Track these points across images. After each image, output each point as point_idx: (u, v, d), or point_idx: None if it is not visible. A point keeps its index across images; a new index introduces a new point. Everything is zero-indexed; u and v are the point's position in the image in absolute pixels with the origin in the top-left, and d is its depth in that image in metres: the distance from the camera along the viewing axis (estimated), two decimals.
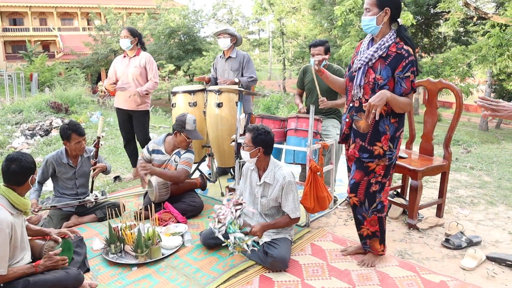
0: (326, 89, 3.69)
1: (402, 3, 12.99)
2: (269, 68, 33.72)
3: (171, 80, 19.88)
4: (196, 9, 24.00)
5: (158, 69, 20.97)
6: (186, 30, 22.22)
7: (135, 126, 4.82)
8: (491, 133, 21.60)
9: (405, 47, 2.42)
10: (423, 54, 17.19)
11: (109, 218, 3.19)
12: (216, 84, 4.79)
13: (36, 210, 3.44)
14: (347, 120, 2.66)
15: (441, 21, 16.43)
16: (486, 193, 4.43)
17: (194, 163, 4.55)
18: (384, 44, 2.45)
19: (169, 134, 3.95)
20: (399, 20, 2.48)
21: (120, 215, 3.31)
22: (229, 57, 4.65)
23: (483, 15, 14.26)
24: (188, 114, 3.83)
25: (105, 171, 3.85)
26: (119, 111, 4.82)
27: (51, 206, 3.64)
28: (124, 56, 4.72)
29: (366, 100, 2.47)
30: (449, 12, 13.90)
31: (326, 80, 2.76)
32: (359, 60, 2.54)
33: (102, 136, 4.01)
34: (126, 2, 33.93)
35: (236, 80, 4.45)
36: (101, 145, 4.00)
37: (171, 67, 19.98)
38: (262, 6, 30.74)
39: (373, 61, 2.47)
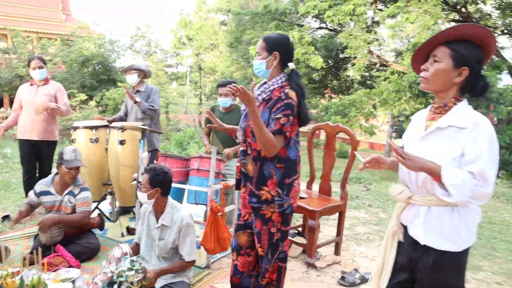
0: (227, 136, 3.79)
1: (314, 47, 13.87)
2: (185, 102, 33.63)
3: (83, 110, 18.99)
4: (113, 39, 23.50)
5: (69, 98, 19.88)
6: (101, 59, 21.57)
7: (42, 158, 4.55)
8: None
9: (286, 90, 2.34)
10: (332, 95, 18.31)
11: None
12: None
13: None
14: (238, 164, 2.57)
15: (349, 65, 17.71)
16: (381, 230, 4.71)
17: (94, 201, 4.34)
18: (269, 87, 2.39)
19: (56, 174, 3.72)
20: (290, 64, 2.43)
21: (1, 261, 3.00)
22: (138, 90, 4.58)
23: (384, 63, 15.64)
24: (68, 146, 3.66)
25: None
26: (24, 142, 4.49)
27: None
28: (31, 84, 4.48)
29: (249, 144, 2.43)
30: (355, 57, 15.05)
31: (230, 132, 2.71)
32: None
33: None
34: (37, 26, 32.17)
35: (138, 99, 4.37)
36: None
37: (82, 96, 19.12)
38: (181, 41, 30.91)
39: (257, 104, 2.36)
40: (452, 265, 1.76)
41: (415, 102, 14.32)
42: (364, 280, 3.34)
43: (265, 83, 2.50)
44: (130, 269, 2.55)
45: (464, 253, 1.77)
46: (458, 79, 1.70)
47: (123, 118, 4.73)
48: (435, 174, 1.64)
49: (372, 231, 4.65)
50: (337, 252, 3.88)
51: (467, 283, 3.44)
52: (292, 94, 2.34)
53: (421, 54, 1.81)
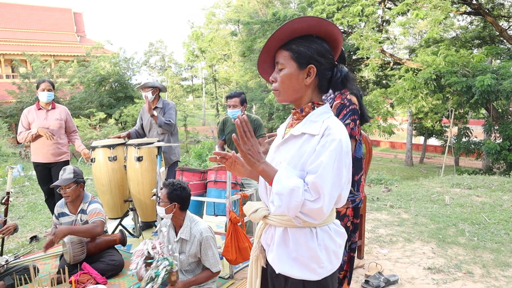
0: None
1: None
2: (203, 114, 34.07)
3: (102, 128, 19.37)
4: (127, 56, 23.97)
5: (89, 117, 20.23)
6: (117, 77, 22.03)
7: (54, 179, 4.64)
8: (415, 168, 23.00)
9: (348, 96, 2.55)
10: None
11: (19, 285, 2.97)
12: (142, 135, 4.80)
13: None
14: None
15: (362, 66, 17.63)
16: (404, 231, 4.66)
17: (116, 218, 4.43)
18: (330, 95, 2.60)
19: None
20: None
21: (31, 280, 3.08)
22: (156, 107, 4.68)
23: (398, 61, 15.50)
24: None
25: (15, 230, 3.63)
26: (38, 165, 4.63)
27: None
28: (39, 109, 4.58)
29: None
30: (368, 58, 14.97)
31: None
32: None
33: (12, 192, 3.79)
34: (53, 49, 33.01)
35: (155, 113, 4.47)
36: (11, 201, 3.77)
37: (101, 115, 19.54)
38: (194, 54, 31.38)
39: None
40: None
41: (433, 98, 14.17)
42: (389, 283, 3.31)
43: None
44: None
45: (328, 279, 1.53)
46: (309, 80, 1.49)
47: (139, 132, 4.82)
48: (269, 179, 1.44)
49: (394, 233, 4.60)
50: (359, 255, 3.85)
51: (495, 281, 3.38)
52: (354, 99, 2.55)
53: (266, 63, 1.59)
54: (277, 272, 1.54)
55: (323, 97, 2.55)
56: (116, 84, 22.46)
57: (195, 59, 31.79)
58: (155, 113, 4.45)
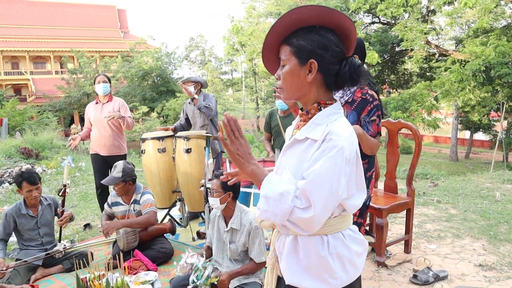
0: None
1: (368, 43, 13.64)
2: (242, 107, 34.28)
3: (145, 122, 19.91)
4: (169, 51, 24.45)
5: (132, 111, 20.89)
6: (159, 72, 22.53)
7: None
8: (461, 163, 22.23)
9: (369, 92, 2.51)
10: (391, 90, 17.84)
11: (77, 269, 3.13)
12: (186, 128, 4.91)
13: (4, 268, 3.34)
14: None
15: (406, 58, 17.18)
16: (453, 226, 4.55)
17: (164, 208, 4.57)
18: (349, 89, 2.53)
19: None
20: (364, 66, 2.60)
21: (88, 264, 3.25)
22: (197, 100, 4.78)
23: (444, 52, 14.99)
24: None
25: (71, 219, 3.84)
26: (96, 156, 4.78)
27: (21, 261, 3.53)
28: (97, 103, 4.76)
29: None
30: (412, 50, 14.57)
31: None
32: None
33: (68, 184, 4.01)
34: (99, 46, 34.20)
35: (195, 96, 4.59)
36: (67, 192, 3.98)
37: (144, 109, 20.09)
38: (234, 48, 31.55)
39: (340, 105, 2.56)
40: None
41: (481, 91, 13.63)
42: (438, 278, 3.25)
43: None
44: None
45: None
46: (310, 76, 1.34)
47: (183, 125, 4.93)
48: (258, 182, 1.30)
49: (442, 228, 4.50)
50: (407, 250, 3.80)
51: None
52: (375, 94, 2.53)
53: (271, 59, 1.45)
54: (286, 283, 1.44)
55: (343, 91, 2.51)
56: (158, 78, 22.99)
57: (235, 53, 31.96)
58: (196, 96, 4.56)
